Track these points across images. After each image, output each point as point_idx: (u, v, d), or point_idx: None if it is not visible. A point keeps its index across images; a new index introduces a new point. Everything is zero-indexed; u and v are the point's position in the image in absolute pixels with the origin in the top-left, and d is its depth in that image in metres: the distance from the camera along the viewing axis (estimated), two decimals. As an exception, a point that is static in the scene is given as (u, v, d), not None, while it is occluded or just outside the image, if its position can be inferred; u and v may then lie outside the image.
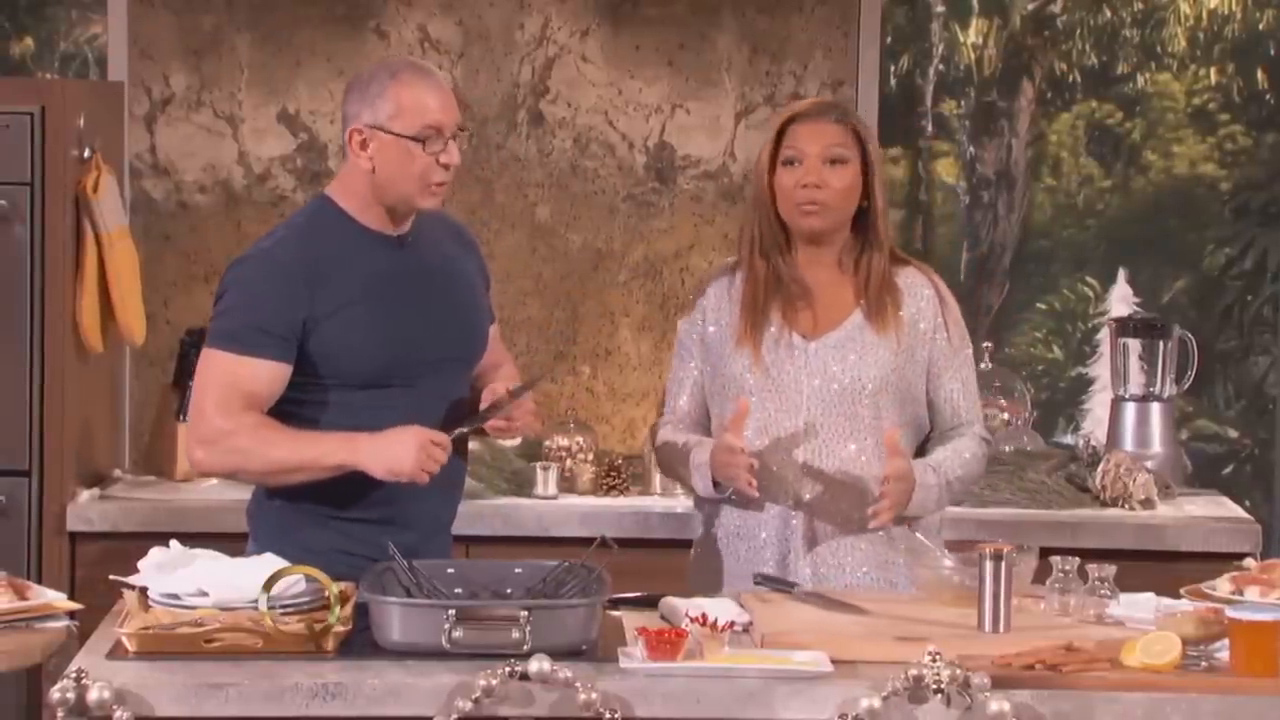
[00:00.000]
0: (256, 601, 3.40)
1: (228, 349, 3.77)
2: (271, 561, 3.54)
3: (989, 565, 3.55)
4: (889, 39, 5.83)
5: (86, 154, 5.07)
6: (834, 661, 3.37)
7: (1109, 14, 5.87)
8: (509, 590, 3.63)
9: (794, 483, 4.00)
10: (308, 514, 3.85)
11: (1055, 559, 3.72)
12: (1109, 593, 3.68)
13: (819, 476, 3.99)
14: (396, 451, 3.71)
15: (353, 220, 3.85)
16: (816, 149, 4.01)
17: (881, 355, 4.03)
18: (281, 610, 3.42)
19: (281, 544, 3.75)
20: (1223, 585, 3.73)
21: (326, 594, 3.46)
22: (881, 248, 4.06)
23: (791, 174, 4.02)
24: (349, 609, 3.49)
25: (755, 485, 3.90)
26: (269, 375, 3.77)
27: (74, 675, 3.22)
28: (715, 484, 3.99)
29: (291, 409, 3.80)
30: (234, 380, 3.75)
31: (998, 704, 3.24)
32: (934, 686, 3.25)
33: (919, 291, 4.09)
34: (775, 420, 4.01)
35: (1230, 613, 3.41)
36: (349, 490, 3.82)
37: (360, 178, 3.83)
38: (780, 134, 4.04)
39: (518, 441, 5.40)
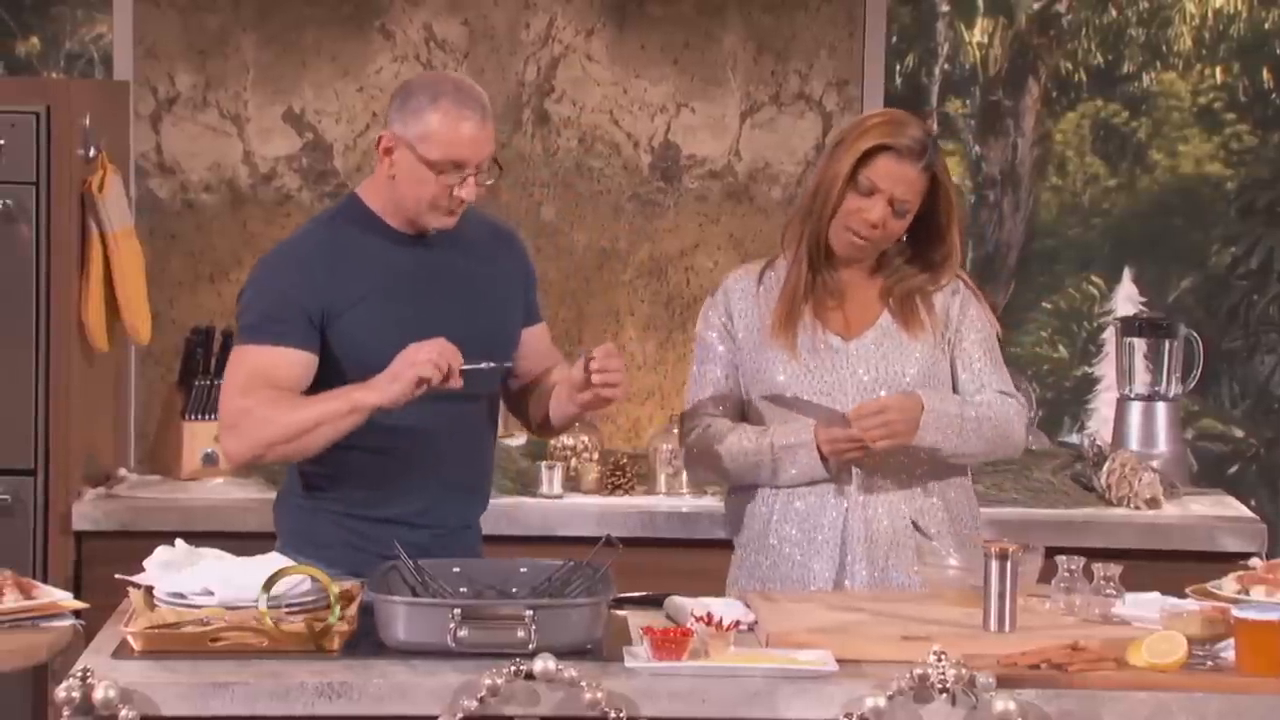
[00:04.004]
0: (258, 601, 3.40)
1: (249, 342, 3.80)
2: (276, 560, 3.54)
3: (994, 564, 3.55)
4: (894, 38, 5.83)
5: (92, 153, 5.07)
6: (839, 661, 3.36)
7: (1114, 13, 5.87)
8: (514, 589, 3.63)
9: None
10: (321, 511, 3.87)
11: (1061, 558, 3.72)
12: (1114, 592, 3.68)
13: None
14: (395, 374, 3.67)
15: (375, 217, 3.87)
16: (892, 191, 3.93)
17: (919, 352, 4.01)
18: (286, 609, 3.42)
19: (298, 541, 3.81)
20: (1228, 584, 3.73)
21: (328, 594, 3.46)
22: (948, 273, 4.03)
23: (858, 201, 3.95)
24: (354, 608, 3.49)
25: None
26: (292, 363, 3.78)
27: (79, 674, 3.22)
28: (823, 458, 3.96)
29: None
30: (255, 368, 3.77)
31: (1003, 703, 3.24)
32: (939, 686, 3.25)
33: (947, 284, 4.08)
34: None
35: (1236, 612, 3.41)
36: (360, 488, 3.84)
37: (382, 179, 3.85)
38: (865, 154, 3.93)
39: (524, 440, 5.40)
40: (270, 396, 3.75)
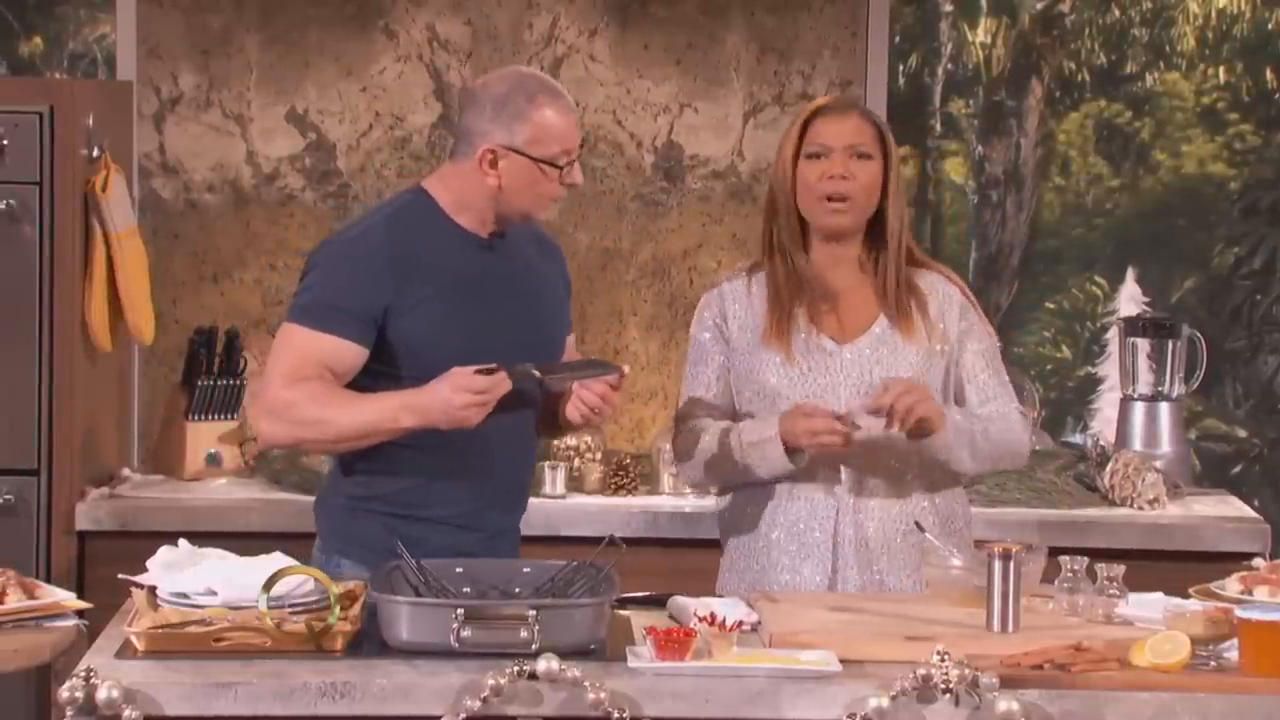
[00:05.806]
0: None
1: (303, 323, 3.78)
2: (279, 560, 3.54)
3: (998, 565, 3.55)
4: (897, 38, 5.83)
5: (95, 153, 5.08)
6: (842, 661, 3.37)
7: (1118, 13, 5.87)
8: (517, 589, 3.63)
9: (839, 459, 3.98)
10: (366, 512, 3.87)
11: (1064, 558, 3.72)
12: (1117, 592, 3.68)
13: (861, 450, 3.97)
14: (445, 401, 3.68)
15: (446, 216, 3.87)
16: (843, 142, 3.99)
17: (912, 357, 4.01)
18: (289, 609, 3.42)
19: (341, 542, 3.84)
20: (1231, 585, 3.73)
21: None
22: (896, 248, 4.04)
23: (816, 167, 3.99)
24: (357, 608, 3.49)
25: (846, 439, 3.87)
26: (343, 353, 3.77)
27: (83, 674, 3.22)
28: (789, 452, 3.92)
29: None
30: (307, 354, 3.76)
31: (1006, 704, 3.24)
32: (942, 686, 3.25)
33: (941, 291, 4.07)
34: None
35: (1239, 613, 3.41)
36: (411, 487, 3.85)
37: (474, 187, 3.83)
38: (804, 128, 4.02)
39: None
40: (316, 391, 3.73)
